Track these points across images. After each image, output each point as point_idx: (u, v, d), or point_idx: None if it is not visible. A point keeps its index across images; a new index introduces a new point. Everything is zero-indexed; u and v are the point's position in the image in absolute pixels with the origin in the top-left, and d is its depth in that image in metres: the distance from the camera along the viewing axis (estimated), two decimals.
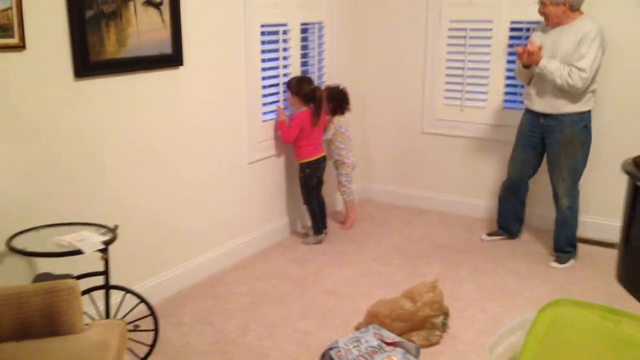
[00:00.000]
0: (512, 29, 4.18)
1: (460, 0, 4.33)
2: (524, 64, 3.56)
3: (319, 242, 4.07)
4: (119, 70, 2.88)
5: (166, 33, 3.08)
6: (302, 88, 3.90)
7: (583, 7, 3.52)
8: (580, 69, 3.41)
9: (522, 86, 4.24)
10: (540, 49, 3.48)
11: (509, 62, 4.22)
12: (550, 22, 3.53)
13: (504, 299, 3.33)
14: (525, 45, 3.58)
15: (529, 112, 3.75)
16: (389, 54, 4.66)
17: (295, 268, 3.72)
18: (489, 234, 4.17)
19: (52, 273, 2.40)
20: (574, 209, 3.75)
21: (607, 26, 3.55)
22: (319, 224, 4.10)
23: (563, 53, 3.47)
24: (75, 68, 2.68)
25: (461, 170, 4.58)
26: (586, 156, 3.68)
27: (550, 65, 3.47)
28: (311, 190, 4.05)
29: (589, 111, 3.60)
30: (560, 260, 3.76)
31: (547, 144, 3.70)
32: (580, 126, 3.59)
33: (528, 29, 4.08)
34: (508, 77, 4.26)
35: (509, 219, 4.09)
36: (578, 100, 3.53)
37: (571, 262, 3.76)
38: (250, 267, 3.72)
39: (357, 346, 2.58)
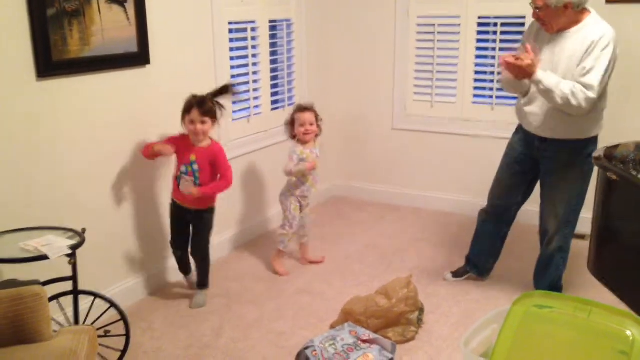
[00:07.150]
0: (480, 24, 4.20)
1: None
2: (515, 78, 2.80)
3: None
4: (83, 69, 2.81)
5: (132, 31, 3.01)
6: None
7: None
8: (587, 86, 2.66)
9: (492, 81, 4.30)
10: (536, 59, 2.72)
11: (478, 57, 4.25)
12: (549, 28, 2.78)
13: (478, 293, 3.35)
14: (515, 50, 2.92)
15: (522, 131, 3.06)
16: (358, 51, 4.66)
17: (269, 267, 3.68)
18: (455, 274, 3.48)
19: (18, 280, 2.32)
20: (564, 250, 3.08)
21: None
22: None
23: (565, 66, 2.75)
24: (37, 68, 2.61)
25: (432, 166, 4.60)
26: (585, 192, 2.97)
27: (548, 79, 2.68)
28: None
29: (596, 137, 2.91)
30: None
31: (541, 171, 3.05)
32: (584, 155, 2.87)
33: (496, 24, 4.11)
34: (477, 72, 4.29)
35: (483, 254, 3.41)
36: (584, 123, 2.82)
37: None
38: (223, 268, 3.67)
39: (333, 344, 2.57)
